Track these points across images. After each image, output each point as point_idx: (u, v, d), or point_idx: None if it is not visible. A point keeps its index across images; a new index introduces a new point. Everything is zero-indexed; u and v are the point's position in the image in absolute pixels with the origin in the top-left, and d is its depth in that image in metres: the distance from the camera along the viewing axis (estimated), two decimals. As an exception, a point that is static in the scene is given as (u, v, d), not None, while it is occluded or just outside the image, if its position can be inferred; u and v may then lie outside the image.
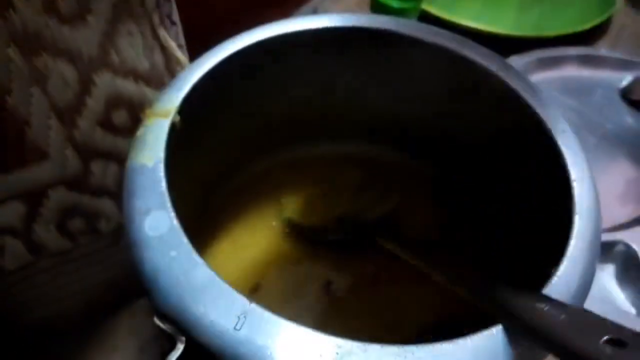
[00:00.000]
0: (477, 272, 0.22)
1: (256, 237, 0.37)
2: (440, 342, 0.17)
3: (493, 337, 0.17)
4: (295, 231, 0.36)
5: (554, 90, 0.53)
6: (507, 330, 0.17)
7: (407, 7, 0.47)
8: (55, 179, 0.30)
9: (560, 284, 0.21)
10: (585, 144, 0.49)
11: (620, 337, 0.13)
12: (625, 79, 0.55)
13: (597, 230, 0.23)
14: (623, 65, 0.55)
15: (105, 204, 0.33)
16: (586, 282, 0.21)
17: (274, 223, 0.37)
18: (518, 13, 0.61)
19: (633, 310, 0.37)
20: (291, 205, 0.38)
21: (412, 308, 0.32)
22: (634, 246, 0.39)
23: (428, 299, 0.32)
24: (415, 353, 0.18)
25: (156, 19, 0.26)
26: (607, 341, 0.13)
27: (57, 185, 0.30)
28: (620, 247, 0.39)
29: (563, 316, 0.15)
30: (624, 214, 0.43)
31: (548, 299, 0.17)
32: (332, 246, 0.35)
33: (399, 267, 0.31)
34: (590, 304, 0.36)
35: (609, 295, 0.38)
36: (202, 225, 0.36)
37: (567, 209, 0.24)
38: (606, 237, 0.39)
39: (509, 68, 0.30)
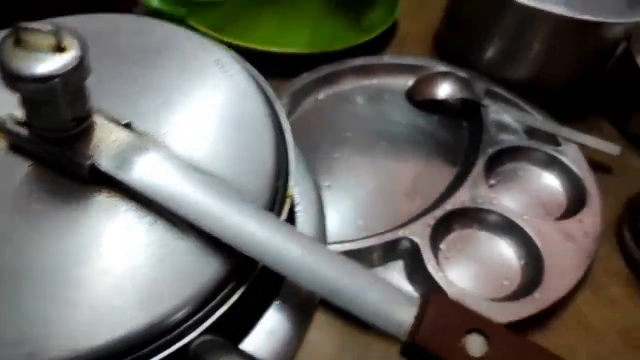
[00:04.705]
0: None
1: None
2: None
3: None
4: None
5: (344, 101, 0.56)
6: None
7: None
8: None
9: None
10: (377, 149, 0.54)
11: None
12: (409, 81, 0.60)
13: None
14: (406, 69, 0.60)
15: None
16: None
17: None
18: (312, 32, 0.64)
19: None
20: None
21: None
22: (416, 239, 0.42)
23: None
24: None
25: None
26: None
27: None
28: (404, 243, 0.43)
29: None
30: (412, 209, 0.47)
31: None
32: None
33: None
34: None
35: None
36: None
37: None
38: (390, 235, 0.42)
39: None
